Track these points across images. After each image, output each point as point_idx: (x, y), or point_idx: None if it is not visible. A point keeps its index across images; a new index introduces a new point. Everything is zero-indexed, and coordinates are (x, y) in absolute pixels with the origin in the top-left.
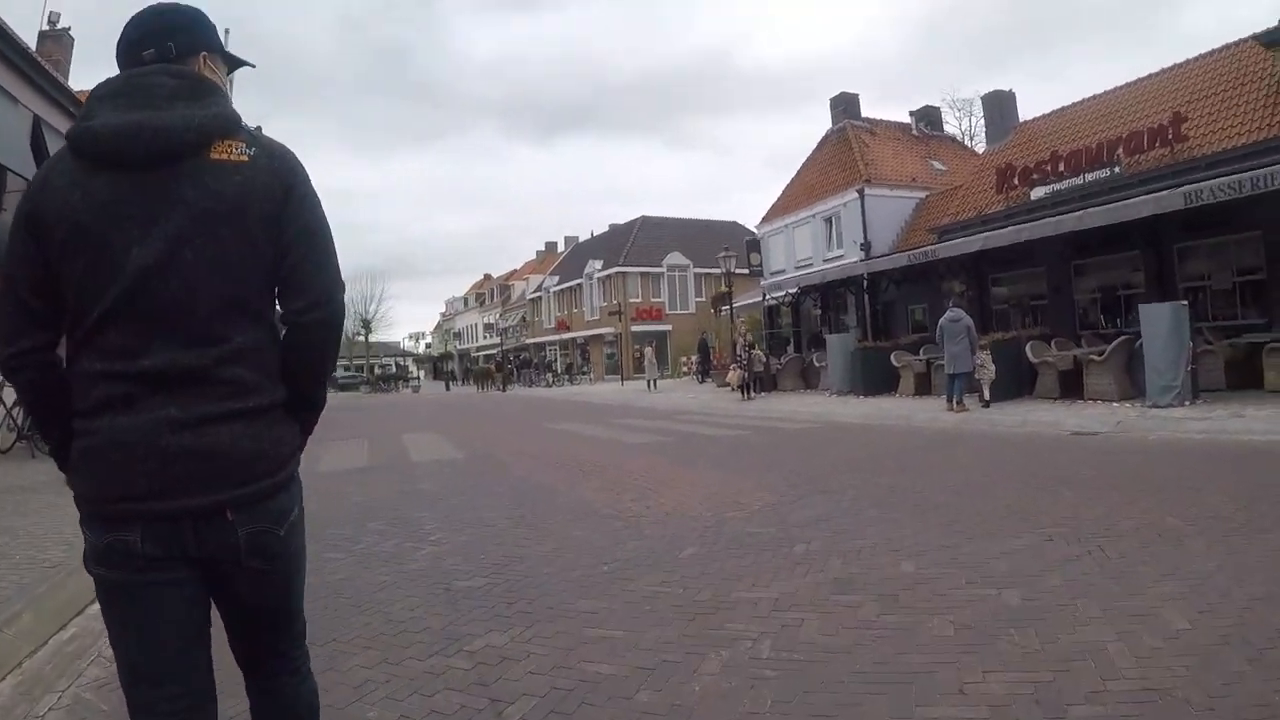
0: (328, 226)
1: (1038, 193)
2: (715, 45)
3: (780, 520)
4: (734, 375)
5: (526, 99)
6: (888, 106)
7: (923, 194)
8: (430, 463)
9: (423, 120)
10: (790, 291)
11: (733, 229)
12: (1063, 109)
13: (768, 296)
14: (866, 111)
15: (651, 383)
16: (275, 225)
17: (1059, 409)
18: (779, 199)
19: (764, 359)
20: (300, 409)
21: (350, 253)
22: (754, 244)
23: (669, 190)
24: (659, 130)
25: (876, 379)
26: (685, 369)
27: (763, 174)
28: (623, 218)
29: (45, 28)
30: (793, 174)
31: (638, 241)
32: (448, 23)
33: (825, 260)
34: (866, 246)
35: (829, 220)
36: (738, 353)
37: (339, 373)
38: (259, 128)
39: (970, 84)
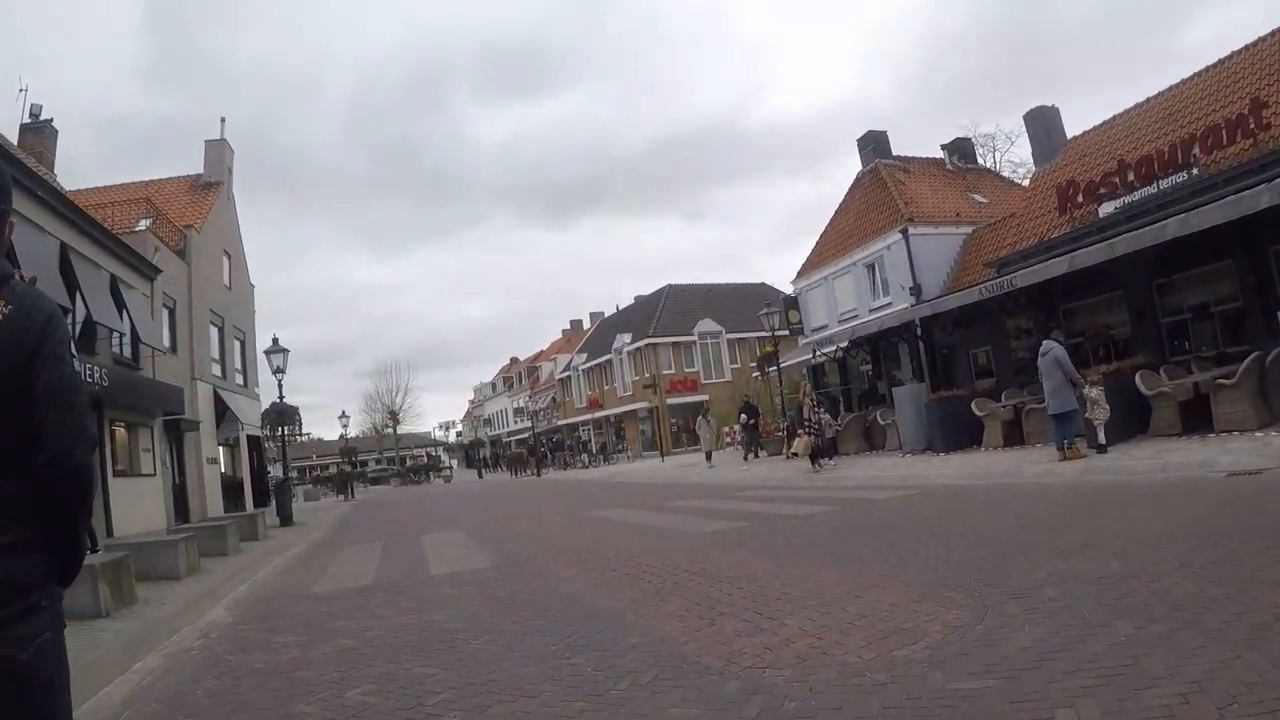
0: (75, 384)
1: (1106, 209)
2: (721, 112)
3: (997, 658)
4: (802, 443)
5: (538, 182)
6: (903, 148)
7: (968, 229)
8: (451, 577)
9: (437, 213)
10: (841, 346)
11: (762, 290)
12: (1114, 118)
13: (818, 352)
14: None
15: (709, 455)
16: (24, 380)
17: (1191, 445)
18: (814, 251)
19: (835, 422)
20: (58, 552)
21: (373, 348)
22: (791, 301)
23: (688, 261)
24: (672, 203)
25: (956, 432)
26: (729, 440)
27: (779, 237)
28: (645, 290)
29: (27, 120)
30: (824, 224)
31: (666, 311)
32: (455, 114)
33: (871, 310)
34: (917, 290)
35: (871, 266)
36: (805, 416)
37: (370, 466)
38: (34, 279)
39: (986, 118)
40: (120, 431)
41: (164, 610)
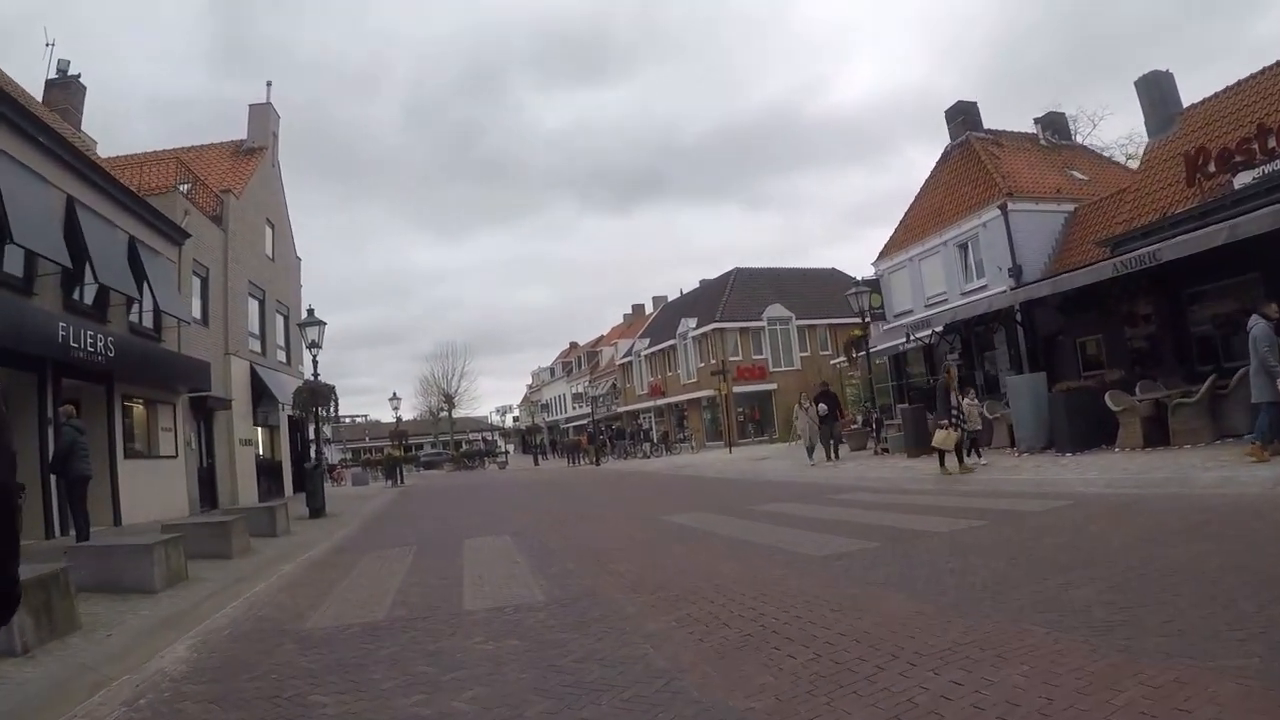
0: None
1: (1243, 179)
2: (780, 101)
3: None
4: (947, 437)
5: (599, 169)
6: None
7: (1070, 206)
8: (489, 616)
9: (497, 198)
10: (935, 330)
11: (832, 276)
12: (1239, 83)
13: (912, 336)
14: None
15: (811, 450)
16: None
17: None
18: (898, 230)
19: (983, 412)
20: None
21: (432, 332)
22: (872, 284)
23: (748, 250)
24: (734, 192)
25: (1084, 430)
26: (799, 434)
27: (841, 227)
28: (709, 276)
29: (54, 75)
30: (904, 205)
31: (733, 295)
32: (515, 101)
33: (963, 294)
34: (1017, 271)
35: (964, 246)
36: (952, 404)
37: (424, 450)
38: None
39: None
40: (137, 409)
41: (101, 648)
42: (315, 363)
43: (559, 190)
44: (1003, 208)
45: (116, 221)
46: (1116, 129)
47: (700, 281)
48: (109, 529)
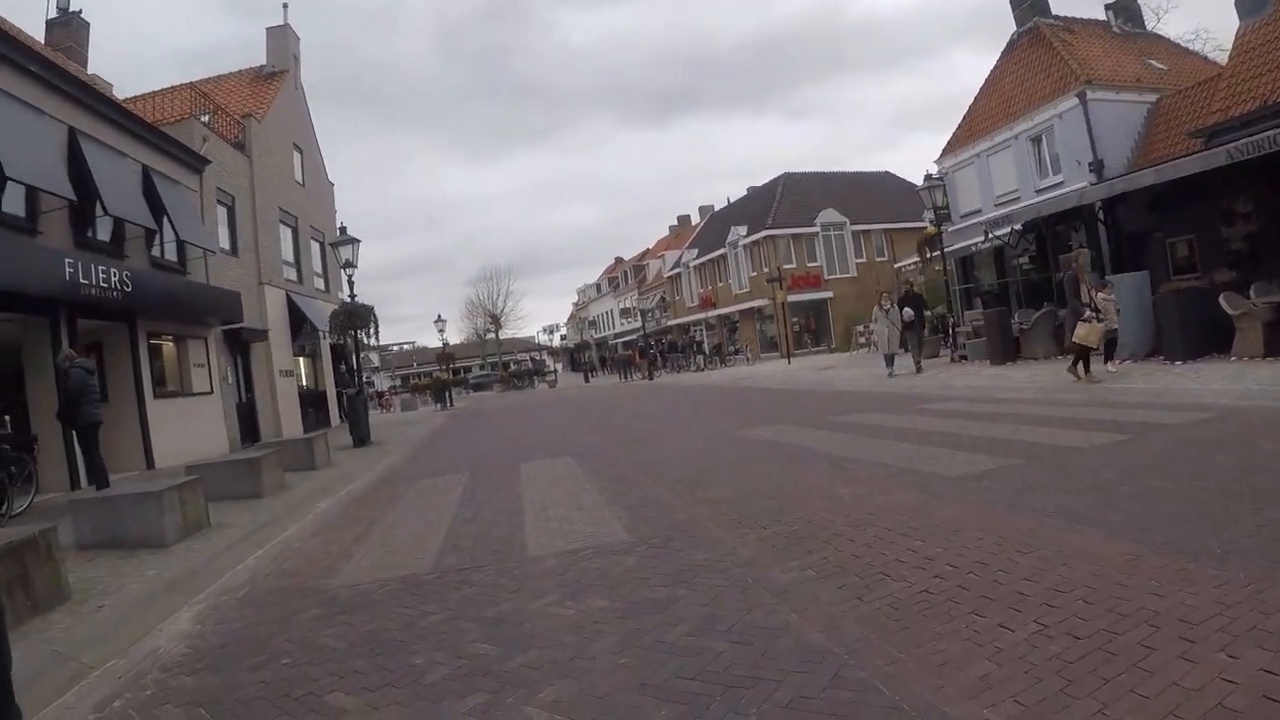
0: None
1: None
2: (819, 4)
3: None
4: (1090, 330)
5: (633, 85)
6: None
7: (1152, 97)
8: (562, 563)
9: (532, 119)
10: (1015, 229)
11: (886, 179)
12: None
13: (990, 234)
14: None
15: (891, 359)
16: None
17: None
18: (962, 125)
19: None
20: None
21: (475, 256)
22: (935, 183)
23: (792, 161)
24: (773, 102)
25: (1195, 335)
26: (863, 340)
27: (888, 134)
28: (755, 184)
29: (54, 14)
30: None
31: (784, 201)
32: (543, 19)
33: (1037, 191)
34: (1098, 166)
35: (1037, 140)
36: (1086, 299)
37: (472, 373)
38: None
39: None
40: (166, 345)
41: (87, 626)
42: (351, 283)
43: (592, 107)
44: (1081, 96)
45: (128, 152)
46: (1181, 23)
47: (748, 189)
48: (141, 474)
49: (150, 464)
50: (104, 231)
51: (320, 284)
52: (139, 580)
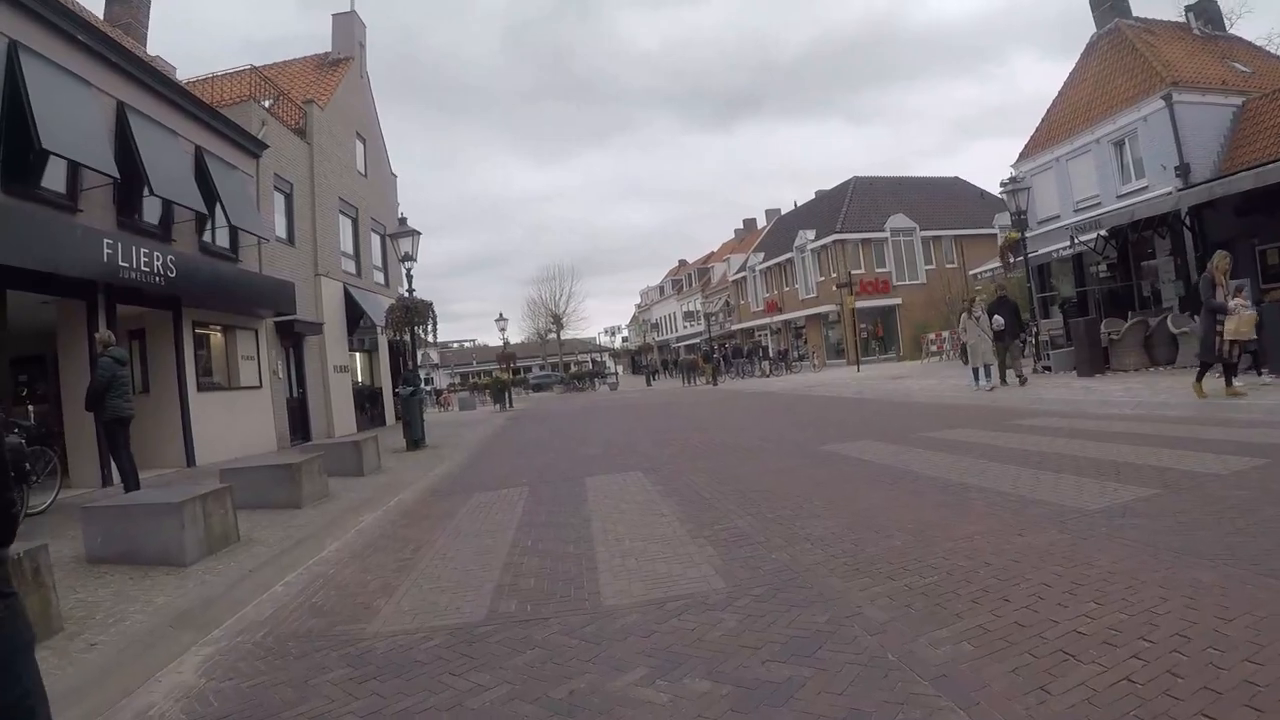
0: None
1: None
2: (878, 12)
3: None
4: (1241, 322)
5: (697, 87)
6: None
7: (1238, 100)
8: (647, 614)
9: (596, 119)
10: (1101, 234)
11: (955, 185)
12: None
13: (1077, 239)
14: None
15: (983, 371)
16: None
17: None
18: (1040, 128)
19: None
20: None
21: (534, 255)
22: (1019, 185)
23: (856, 167)
24: (836, 107)
25: None
26: (935, 348)
27: (953, 140)
28: (823, 189)
29: None
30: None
31: (853, 205)
32: (609, 21)
33: (1119, 196)
34: (1184, 170)
35: (1119, 143)
36: (1223, 300)
37: (532, 373)
38: None
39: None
40: (214, 336)
41: (72, 673)
42: (409, 277)
43: (657, 109)
44: (1167, 99)
45: (181, 132)
46: (1254, 27)
47: (816, 192)
48: (179, 471)
49: (191, 460)
50: (151, 214)
51: (380, 278)
52: (145, 610)
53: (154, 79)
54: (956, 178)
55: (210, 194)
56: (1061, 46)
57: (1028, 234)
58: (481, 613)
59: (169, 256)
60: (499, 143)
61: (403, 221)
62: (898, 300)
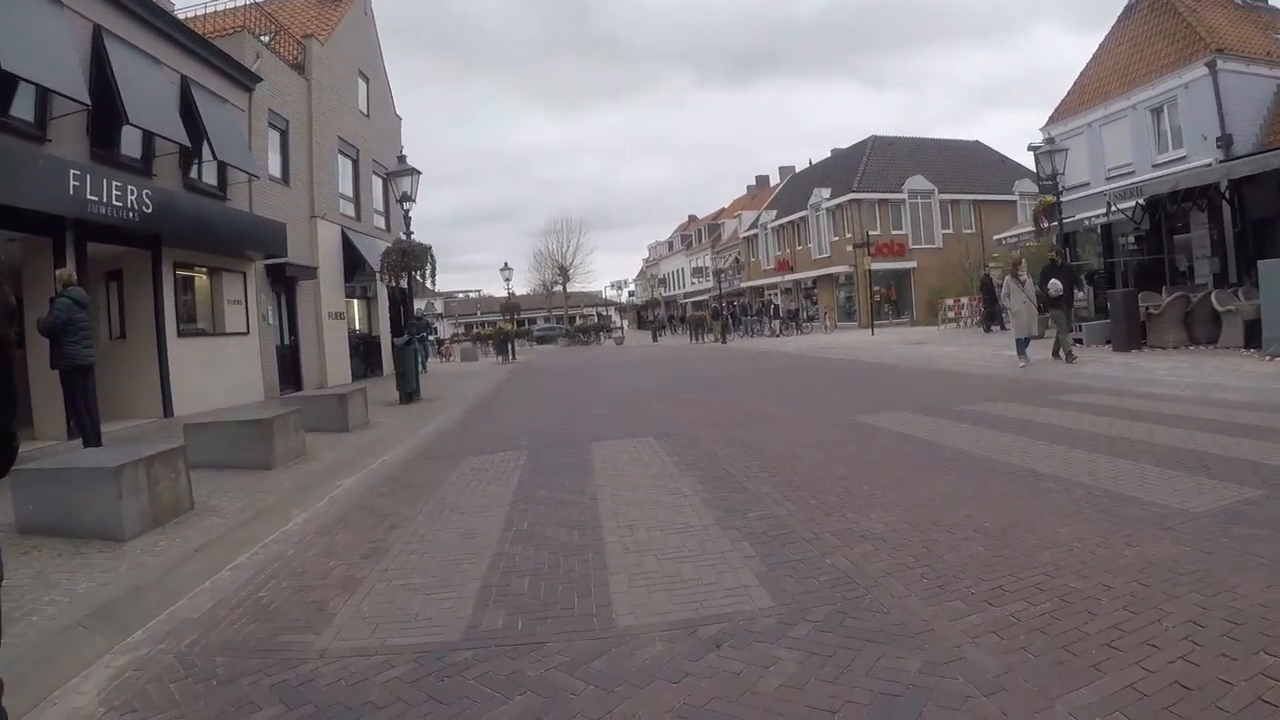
0: None
1: None
2: None
3: None
4: None
5: (714, 45)
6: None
7: None
8: (676, 645)
9: (609, 74)
10: (1139, 203)
11: (976, 149)
12: None
13: (1114, 207)
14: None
15: (1024, 343)
16: None
17: None
18: (1072, 92)
19: None
20: None
21: (544, 208)
22: (1055, 147)
23: (871, 129)
24: (854, 69)
25: None
26: (952, 314)
27: (969, 108)
28: (839, 146)
29: None
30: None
31: (870, 165)
32: None
33: (1154, 166)
34: (1226, 141)
35: (1158, 110)
36: None
37: (537, 324)
38: None
39: None
40: (199, 278)
41: None
42: (407, 219)
43: (672, 64)
44: (1211, 66)
45: (166, 61)
46: None
47: (831, 151)
48: (156, 422)
49: (169, 411)
50: (131, 147)
51: (381, 223)
52: (62, 599)
53: (135, 2)
54: (977, 141)
55: (196, 127)
56: (1085, 20)
57: (1048, 198)
58: (459, 628)
59: (145, 191)
60: (514, 96)
61: (402, 160)
62: (913, 264)
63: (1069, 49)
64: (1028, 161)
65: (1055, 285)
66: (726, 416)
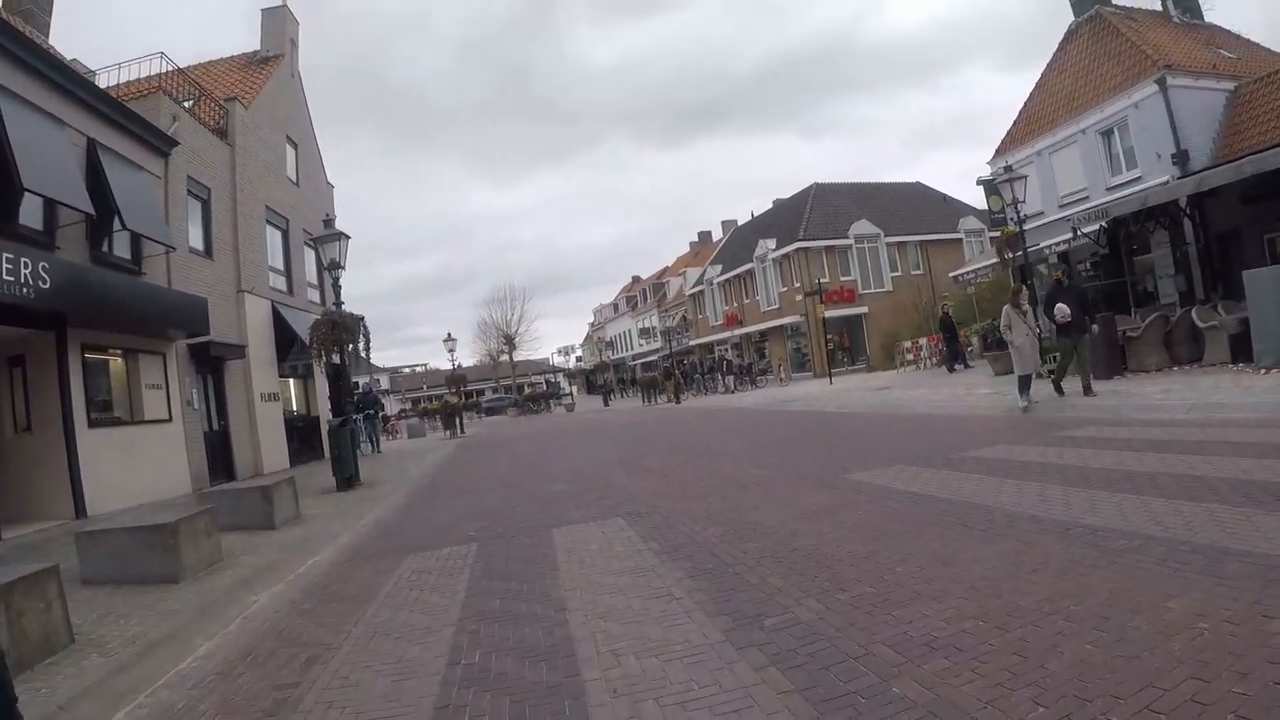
0: None
1: None
2: (836, 24)
3: None
4: None
5: (652, 103)
6: (1025, 70)
7: (1229, 85)
8: None
9: (551, 138)
10: (1103, 225)
11: (918, 190)
12: None
13: (1079, 231)
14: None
15: (1027, 381)
16: None
17: None
18: (1018, 122)
19: None
20: None
21: (491, 276)
22: (991, 185)
23: (812, 179)
24: (789, 120)
25: None
26: (910, 356)
27: (907, 152)
28: (777, 199)
29: None
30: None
31: (814, 213)
32: (565, 38)
33: (1108, 189)
34: (1182, 157)
35: (1108, 133)
36: None
37: (485, 396)
38: None
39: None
40: (114, 361)
41: None
42: (338, 288)
43: (614, 126)
44: (1161, 83)
45: (69, 121)
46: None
47: (774, 201)
48: (66, 525)
49: (81, 511)
50: (31, 216)
51: (315, 296)
52: None
53: (34, 56)
54: (918, 183)
55: (103, 194)
56: (1015, 59)
57: (1011, 229)
58: None
59: (42, 264)
60: (458, 165)
61: (329, 224)
62: (864, 309)
63: (1001, 87)
64: (970, 199)
65: (1063, 310)
66: (700, 485)
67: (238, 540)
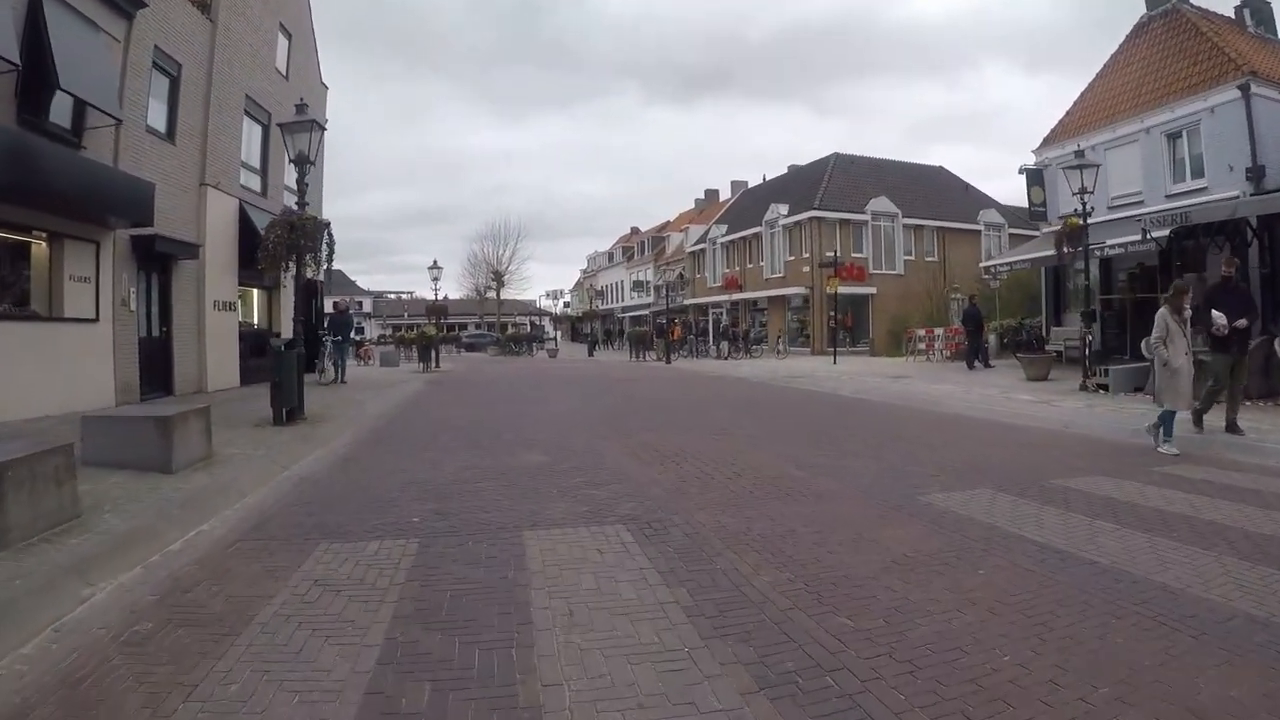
0: None
1: None
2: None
3: None
4: None
5: (665, 61)
6: (1048, 72)
7: None
8: None
9: (559, 83)
10: (1171, 233)
11: (940, 175)
12: None
13: (1149, 234)
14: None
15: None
16: None
17: None
18: (1072, 112)
19: None
20: None
21: (484, 213)
22: (1035, 176)
23: (819, 154)
24: (800, 94)
25: None
26: (923, 346)
27: (911, 144)
28: (790, 170)
29: None
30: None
31: (833, 183)
32: None
33: (1168, 196)
34: (1257, 172)
35: (1174, 136)
36: None
37: (467, 330)
38: None
39: None
40: (36, 245)
41: None
42: (303, 186)
43: (622, 79)
44: (1244, 89)
45: None
46: None
47: (789, 167)
48: None
49: None
50: None
51: (293, 201)
52: None
53: None
54: (941, 167)
55: (41, 44)
56: (1036, 58)
57: (1046, 228)
58: None
59: None
60: (461, 98)
61: (301, 109)
62: (873, 289)
63: (1017, 88)
64: (992, 192)
65: (1220, 319)
66: (727, 485)
67: (117, 485)
